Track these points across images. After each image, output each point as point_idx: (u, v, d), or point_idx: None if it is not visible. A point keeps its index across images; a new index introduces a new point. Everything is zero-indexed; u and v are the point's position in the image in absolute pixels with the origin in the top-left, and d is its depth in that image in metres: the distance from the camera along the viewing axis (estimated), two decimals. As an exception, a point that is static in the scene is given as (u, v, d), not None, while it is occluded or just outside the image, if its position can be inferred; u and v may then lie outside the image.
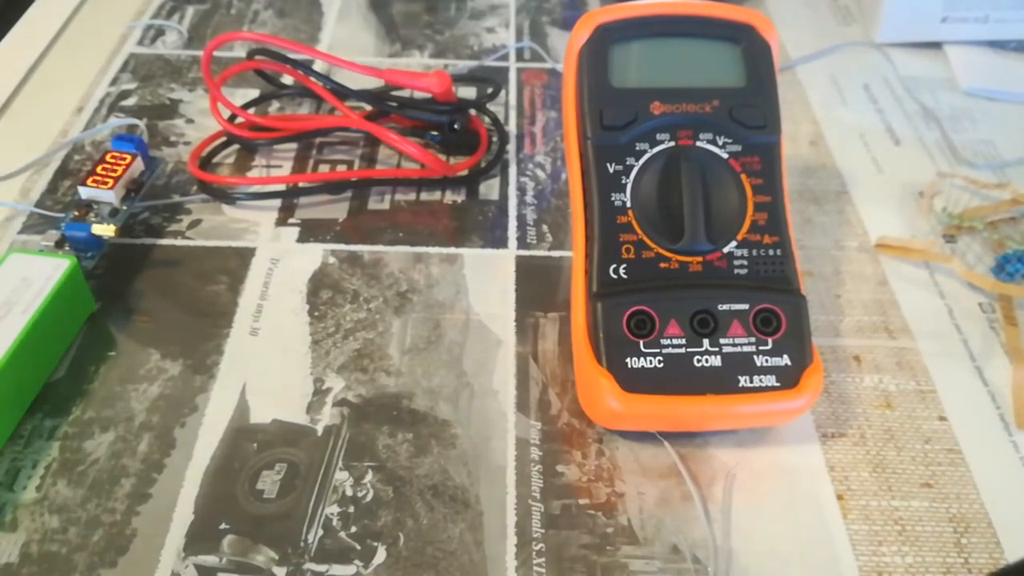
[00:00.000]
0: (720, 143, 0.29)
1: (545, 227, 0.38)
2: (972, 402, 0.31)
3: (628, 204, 0.28)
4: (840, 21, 0.53)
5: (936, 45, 0.50)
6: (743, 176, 0.29)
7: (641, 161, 0.29)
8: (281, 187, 0.39)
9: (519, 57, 0.49)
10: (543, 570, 0.26)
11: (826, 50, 0.49)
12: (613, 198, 0.28)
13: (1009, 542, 0.27)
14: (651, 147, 0.29)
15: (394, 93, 0.42)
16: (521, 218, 0.38)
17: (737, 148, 0.29)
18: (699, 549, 0.27)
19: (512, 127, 0.44)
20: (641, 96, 0.29)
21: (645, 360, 0.27)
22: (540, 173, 0.41)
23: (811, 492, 0.28)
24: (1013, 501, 0.28)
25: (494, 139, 0.42)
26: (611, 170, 0.28)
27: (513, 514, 0.27)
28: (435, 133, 0.41)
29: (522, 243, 0.37)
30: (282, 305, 0.34)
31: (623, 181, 0.28)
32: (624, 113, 0.29)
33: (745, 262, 0.28)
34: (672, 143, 0.29)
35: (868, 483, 0.29)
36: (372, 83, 0.42)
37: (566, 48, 0.30)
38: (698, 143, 0.29)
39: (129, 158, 0.36)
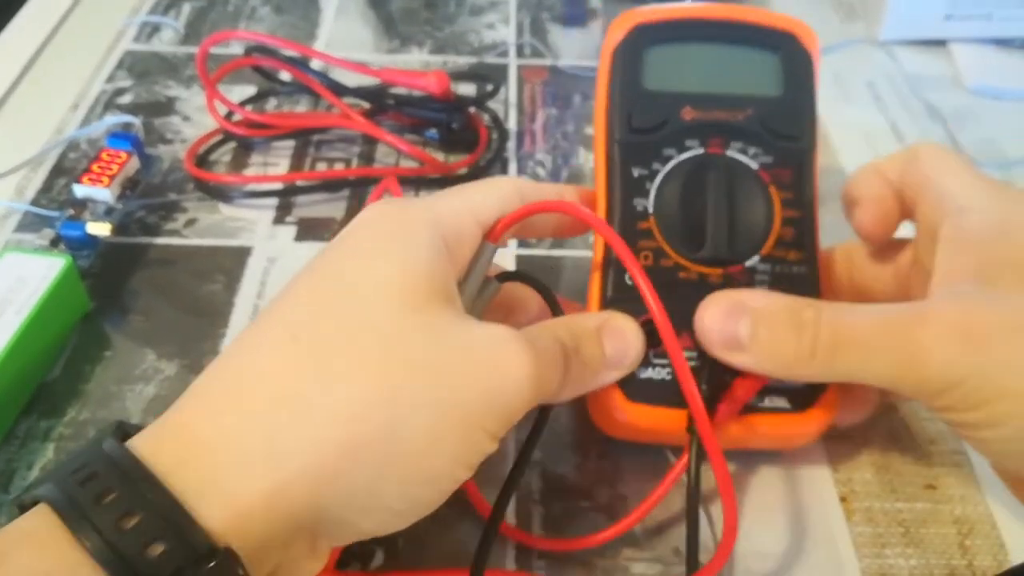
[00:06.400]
0: (751, 153, 0.28)
1: (545, 226, 0.38)
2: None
3: (650, 210, 0.27)
4: (844, 19, 0.53)
5: (940, 43, 0.50)
6: (772, 188, 0.28)
7: (668, 167, 0.28)
8: (278, 185, 0.39)
9: (519, 54, 0.48)
10: (544, 572, 0.26)
11: (830, 48, 0.49)
12: (635, 203, 0.27)
13: (1014, 544, 0.27)
14: (679, 153, 0.28)
15: (392, 91, 0.42)
16: (521, 216, 0.38)
17: (768, 159, 0.28)
18: (701, 552, 0.26)
19: (512, 124, 0.43)
20: (673, 100, 0.28)
21: (654, 371, 0.26)
22: (540, 171, 0.41)
23: (814, 494, 0.28)
24: (1017, 503, 0.28)
25: (494, 136, 0.42)
26: (636, 174, 0.28)
27: (514, 516, 0.27)
28: (434, 131, 0.41)
29: (523, 241, 0.37)
30: (279, 304, 0.34)
31: (647, 186, 0.28)
32: (654, 116, 0.28)
33: (767, 277, 0.27)
34: (701, 150, 0.28)
35: (872, 485, 0.28)
36: (370, 81, 0.42)
37: (602, 47, 0.30)
38: (728, 152, 0.28)
39: (125, 156, 0.36)
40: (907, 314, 0.23)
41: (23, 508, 0.19)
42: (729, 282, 0.27)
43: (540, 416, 0.25)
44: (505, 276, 0.26)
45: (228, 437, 0.19)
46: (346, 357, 0.20)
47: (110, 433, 0.19)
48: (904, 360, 0.22)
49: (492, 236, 0.25)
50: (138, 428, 0.20)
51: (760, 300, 0.24)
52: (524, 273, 0.26)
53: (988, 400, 0.21)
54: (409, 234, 0.22)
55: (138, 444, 0.19)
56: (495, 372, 0.21)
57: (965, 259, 0.23)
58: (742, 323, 0.24)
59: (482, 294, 0.25)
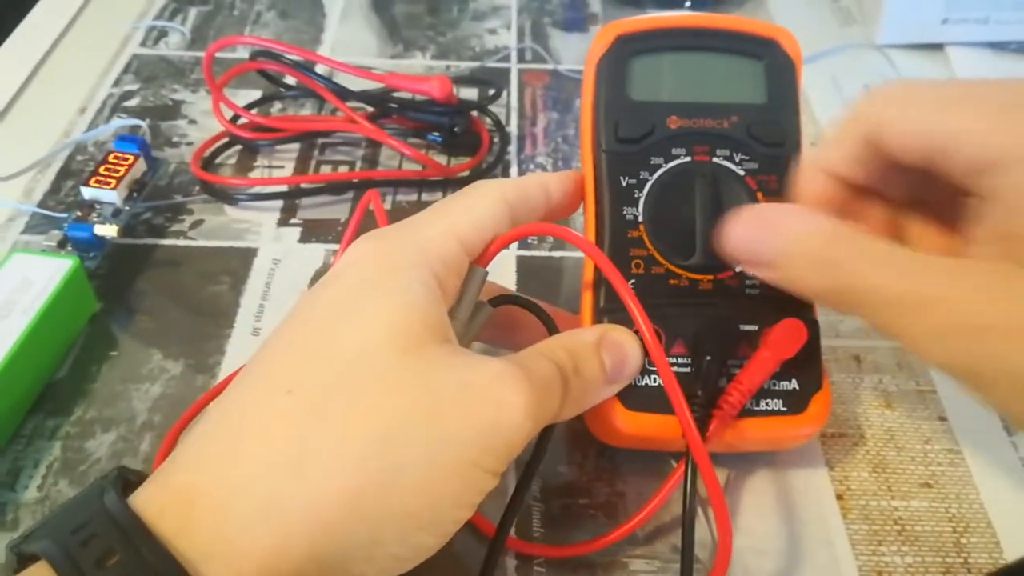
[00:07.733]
0: (737, 160, 0.28)
1: (546, 228, 0.38)
2: (972, 402, 0.31)
3: (640, 218, 0.28)
4: (841, 22, 0.53)
5: (937, 46, 0.50)
6: (759, 194, 0.28)
7: (655, 175, 0.28)
8: (283, 188, 0.39)
9: (520, 58, 0.49)
10: (543, 569, 0.26)
11: (827, 51, 0.49)
12: (624, 212, 0.28)
13: (1009, 542, 0.27)
14: (666, 161, 0.28)
15: (395, 95, 0.42)
16: (522, 219, 0.38)
17: (754, 166, 0.28)
18: (699, 548, 0.27)
19: (513, 128, 0.44)
20: (658, 109, 0.28)
21: (649, 378, 0.26)
22: (541, 174, 0.41)
23: (811, 492, 0.28)
24: (1012, 501, 0.28)
25: (495, 140, 0.42)
26: (624, 183, 0.28)
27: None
28: (437, 134, 0.41)
29: (523, 243, 0.37)
30: (284, 305, 0.34)
31: (636, 195, 0.28)
32: (640, 126, 0.28)
33: (757, 282, 0.27)
34: (688, 158, 0.28)
35: (868, 483, 0.29)
36: (374, 85, 0.42)
37: (586, 58, 0.30)
38: (714, 159, 0.28)
39: (132, 158, 0.36)
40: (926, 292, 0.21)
41: (21, 558, 0.19)
42: (720, 288, 0.27)
43: (542, 437, 0.24)
44: (498, 300, 0.26)
45: (230, 497, 0.19)
46: (341, 408, 0.20)
47: (111, 483, 0.19)
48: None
49: (482, 261, 0.25)
50: (139, 475, 0.20)
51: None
52: (515, 296, 0.26)
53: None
54: (398, 274, 0.22)
55: (140, 503, 0.19)
56: (491, 409, 0.20)
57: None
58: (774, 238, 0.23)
59: (475, 318, 0.25)
